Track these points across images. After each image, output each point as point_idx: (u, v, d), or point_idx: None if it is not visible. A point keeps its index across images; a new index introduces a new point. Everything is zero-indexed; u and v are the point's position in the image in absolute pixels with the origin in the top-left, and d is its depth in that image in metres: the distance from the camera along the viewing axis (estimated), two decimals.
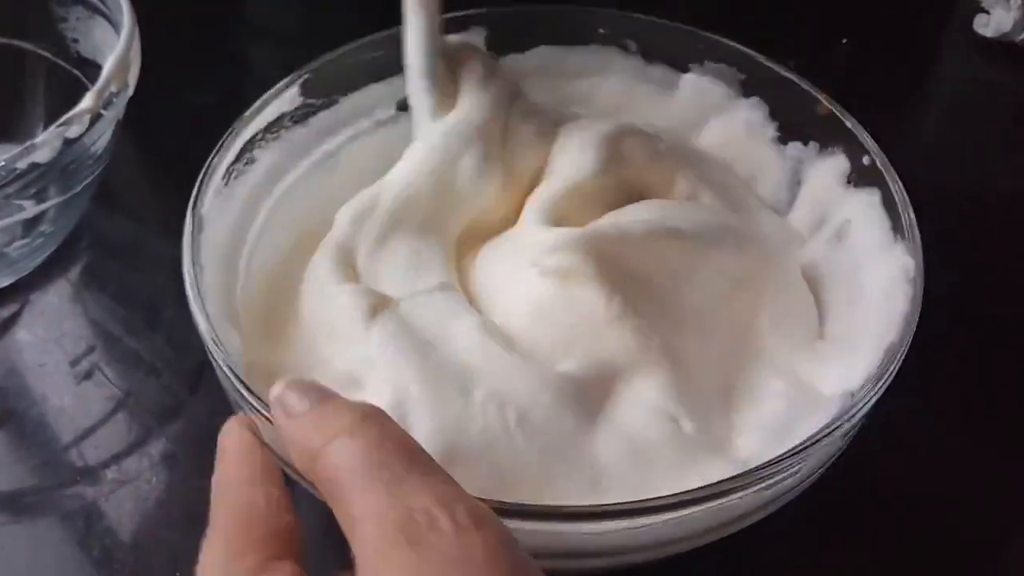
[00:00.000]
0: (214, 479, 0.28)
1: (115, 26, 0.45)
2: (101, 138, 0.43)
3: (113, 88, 0.42)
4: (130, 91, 0.43)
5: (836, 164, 0.41)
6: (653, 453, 0.34)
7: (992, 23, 0.59)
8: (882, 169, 0.39)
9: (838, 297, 0.39)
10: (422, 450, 0.26)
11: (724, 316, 0.38)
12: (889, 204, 0.38)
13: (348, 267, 0.39)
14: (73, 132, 0.40)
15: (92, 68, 0.47)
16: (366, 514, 0.24)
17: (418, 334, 0.36)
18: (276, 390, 0.28)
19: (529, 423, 0.33)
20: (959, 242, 0.46)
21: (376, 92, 0.45)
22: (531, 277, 0.37)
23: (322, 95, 0.44)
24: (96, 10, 0.47)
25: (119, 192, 0.50)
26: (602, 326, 0.36)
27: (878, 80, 0.54)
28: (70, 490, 0.41)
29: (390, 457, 0.25)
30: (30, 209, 0.42)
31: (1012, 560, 0.39)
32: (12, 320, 0.46)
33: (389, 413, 0.27)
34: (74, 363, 0.44)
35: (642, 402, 0.35)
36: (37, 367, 0.44)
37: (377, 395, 0.34)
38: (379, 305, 0.36)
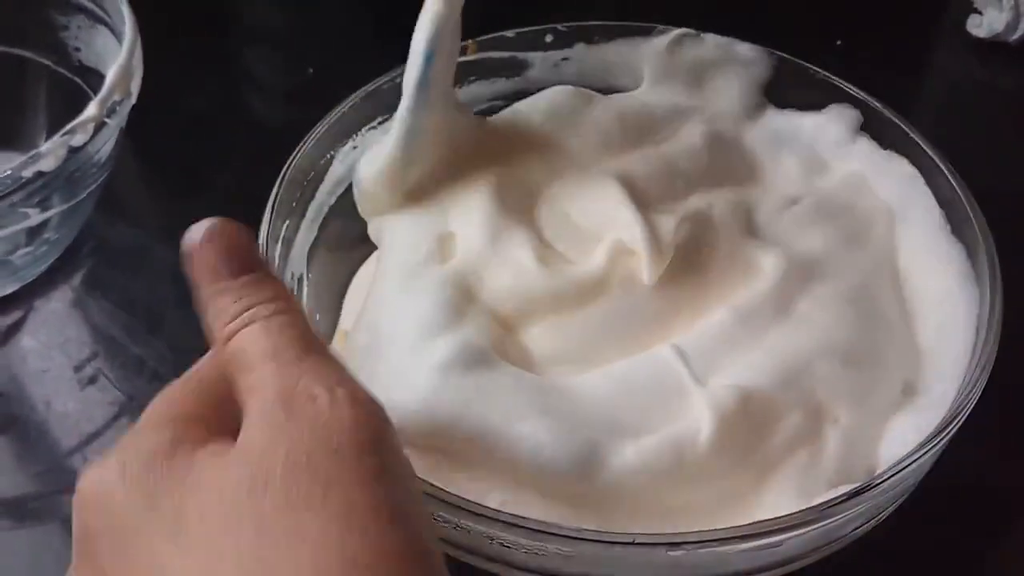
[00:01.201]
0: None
1: (117, 35, 0.45)
2: (105, 146, 0.43)
3: (116, 97, 0.42)
4: (133, 99, 0.43)
5: None
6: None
7: (985, 24, 0.60)
8: None
9: None
10: (321, 342, 0.28)
11: None
12: None
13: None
14: (77, 140, 0.40)
15: (94, 76, 0.47)
16: (257, 387, 0.26)
17: None
18: (199, 232, 0.29)
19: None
20: None
21: None
22: None
23: None
24: (98, 19, 0.47)
25: (121, 200, 0.51)
26: None
27: (872, 81, 0.54)
28: (74, 495, 0.41)
29: (291, 342, 0.27)
30: (34, 217, 0.42)
31: None
32: (16, 327, 0.46)
33: None
34: (78, 369, 0.45)
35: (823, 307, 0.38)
36: (41, 373, 0.45)
37: None
38: None
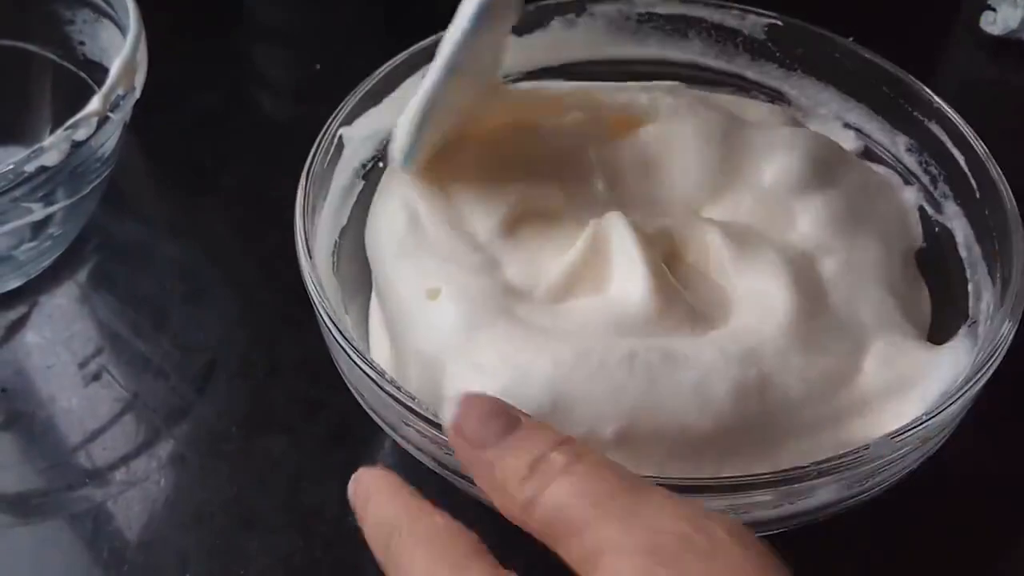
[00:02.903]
0: (372, 524, 0.26)
1: (121, 29, 0.45)
2: (108, 141, 0.43)
3: (120, 91, 0.42)
4: (137, 94, 0.43)
5: None
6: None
7: (999, 21, 0.59)
8: None
9: None
10: (638, 476, 0.25)
11: None
12: None
13: None
14: (81, 135, 0.40)
15: (98, 70, 0.47)
16: (607, 548, 0.23)
17: None
18: (450, 412, 0.26)
19: None
20: None
21: None
22: None
23: None
24: (103, 13, 0.47)
25: (125, 195, 0.51)
26: None
27: None
28: (78, 492, 0.41)
29: (612, 487, 0.24)
30: (38, 212, 0.42)
31: None
32: (20, 322, 0.46)
33: None
34: (82, 365, 0.44)
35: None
36: (45, 369, 0.44)
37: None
38: None
